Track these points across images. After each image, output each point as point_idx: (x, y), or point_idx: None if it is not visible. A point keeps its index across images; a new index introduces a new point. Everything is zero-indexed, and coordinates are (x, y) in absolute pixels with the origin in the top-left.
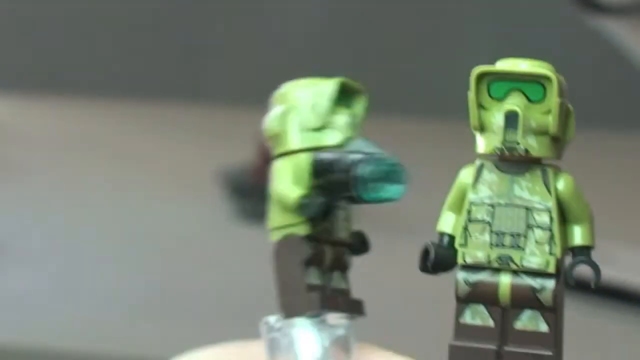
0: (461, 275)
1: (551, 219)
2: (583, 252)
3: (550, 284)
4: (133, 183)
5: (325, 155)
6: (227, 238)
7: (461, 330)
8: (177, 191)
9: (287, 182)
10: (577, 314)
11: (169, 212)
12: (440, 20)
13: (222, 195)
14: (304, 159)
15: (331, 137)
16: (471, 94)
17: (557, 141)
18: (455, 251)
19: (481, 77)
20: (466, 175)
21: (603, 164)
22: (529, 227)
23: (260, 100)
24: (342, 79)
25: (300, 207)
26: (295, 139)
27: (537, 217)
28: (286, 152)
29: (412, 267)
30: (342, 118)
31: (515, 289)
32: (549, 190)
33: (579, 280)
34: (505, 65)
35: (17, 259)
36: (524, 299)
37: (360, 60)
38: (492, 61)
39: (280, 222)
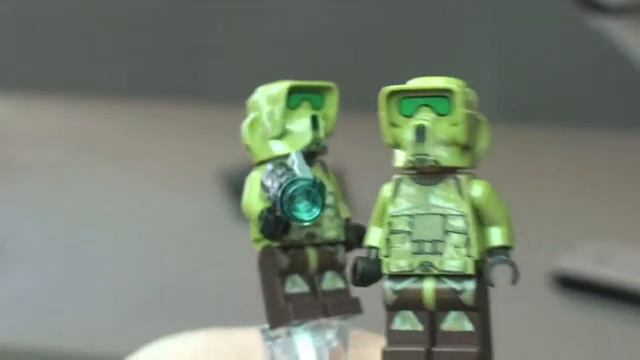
0: (387, 284)
1: (466, 223)
2: (501, 252)
3: (470, 285)
4: (133, 183)
5: (267, 171)
6: (227, 238)
7: (393, 336)
8: (177, 191)
9: (253, 195)
10: (576, 314)
11: (169, 211)
12: (441, 20)
13: (222, 195)
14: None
15: (285, 146)
16: (382, 113)
17: (468, 150)
18: (380, 263)
19: (391, 96)
20: (387, 190)
21: (603, 164)
22: (446, 232)
23: None
24: (291, 83)
25: (260, 222)
26: (259, 150)
27: (452, 223)
28: (258, 162)
29: None
30: (301, 123)
31: (438, 293)
32: (462, 197)
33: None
34: (413, 83)
35: (17, 259)
36: (448, 302)
37: (360, 60)
38: (492, 61)
39: (257, 234)
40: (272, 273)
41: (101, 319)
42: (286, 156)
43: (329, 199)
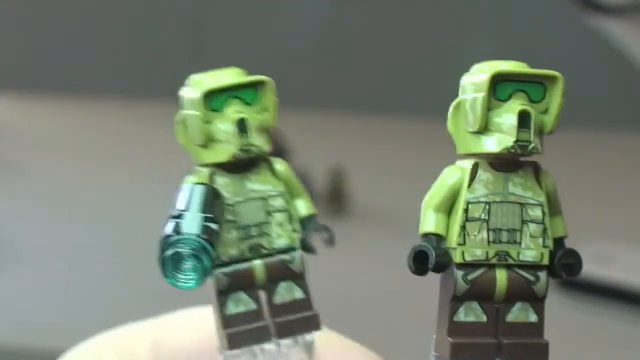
0: (460, 274)
1: (543, 213)
2: (563, 243)
3: (543, 275)
4: (133, 183)
5: (178, 197)
6: None
7: (457, 328)
8: (177, 191)
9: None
10: (576, 314)
11: (168, 211)
12: (441, 20)
13: None
14: (205, 178)
15: (210, 156)
16: (484, 95)
17: (541, 139)
18: (447, 251)
19: (493, 78)
20: (452, 176)
21: (603, 164)
22: (524, 222)
23: None
24: (209, 87)
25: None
26: (192, 152)
27: (530, 212)
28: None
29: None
30: (225, 129)
31: (511, 282)
32: (540, 186)
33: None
34: (513, 66)
35: (17, 258)
36: (519, 292)
37: (360, 59)
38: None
39: None
40: (215, 291)
41: (101, 319)
42: (216, 165)
43: (278, 202)
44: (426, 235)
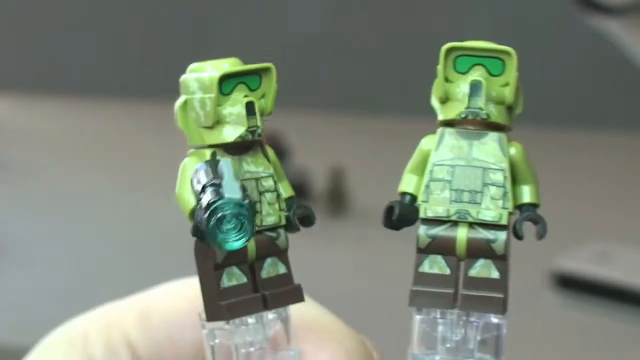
0: (422, 228)
1: (505, 177)
2: (530, 209)
3: (502, 235)
4: (133, 183)
5: (196, 171)
6: None
7: (420, 278)
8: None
9: (184, 187)
10: (576, 314)
11: (169, 211)
12: (440, 20)
13: None
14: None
15: (218, 136)
16: (440, 67)
17: (510, 111)
18: (416, 208)
19: (449, 52)
20: (427, 142)
21: (603, 164)
22: (485, 185)
23: None
24: (224, 71)
25: (192, 224)
26: (192, 135)
27: (492, 176)
28: (196, 146)
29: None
30: (235, 111)
31: (471, 240)
32: (503, 153)
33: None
34: (471, 43)
35: (17, 259)
36: (479, 249)
37: (360, 59)
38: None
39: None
40: (206, 266)
41: None
42: (217, 146)
43: (269, 182)
44: (402, 195)
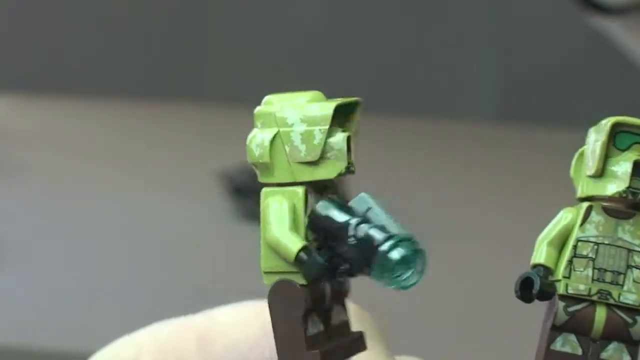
0: (561, 304)
1: None
2: None
3: None
4: (133, 183)
5: (326, 212)
6: (227, 238)
7: (552, 356)
8: (177, 191)
9: (282, 227)
10: None
11: (169, 211)
12: (441, 20)
13: (222, 195)
14: (301, 198)
15: (319, 172)
16: (603, 141)
17: None
18: (552, 283)
19: (614, 127)
20: (568, 216)
21: None
22: (629, 267)
23: (260, 99)
24: (338, 102)
25: (303, 265)
26: (281, 171)
27: (637, 259)
28: (277, 183)
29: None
30: (338, 142)
31: (609, 321)
32: None
33: None
34: (635, 120)
35: (16, 259)
36: (616, 332)
37: (360, 59)
38: (492, 61)
39: (274, 266)
40: (292, 315)
41: (101, 319)
42: (309, 184)
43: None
44: (536, 266)
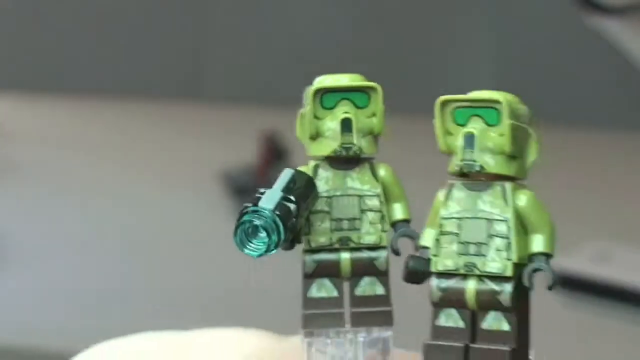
0: (434, 282)
1: (508, 228)
2: (541, 259)
3: (508, 287)
4: (133, 183)
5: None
6: (227, 237)
7: (436, 331)
8: (178, 191)
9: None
10: (575, 313)
11: (169, 212)
12: (440, 19)
13: (222, 195)
14: (309, 171)
15: (317, 149)
16: (437, 121)
17: (515, 160)
18: (429, 262)
19: (444, 105)
20: (441, 195)
21: (603, 164)
22: (490, 236)
23: (260, 99)
24: (318, 85)
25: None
26: (307, 145)
27: (496, 227)
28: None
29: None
30: (332, 126)
31: (479, 293)
32: (507, 204)
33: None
34: (468, 94)
35: (17, 258)
36: (488, 302)
37: (360, 60)
38: (492, 61)
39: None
40: (303, 274)
41: (101, 319)
42: (322, 158)
43: (373, 202)
44: (422, 248)
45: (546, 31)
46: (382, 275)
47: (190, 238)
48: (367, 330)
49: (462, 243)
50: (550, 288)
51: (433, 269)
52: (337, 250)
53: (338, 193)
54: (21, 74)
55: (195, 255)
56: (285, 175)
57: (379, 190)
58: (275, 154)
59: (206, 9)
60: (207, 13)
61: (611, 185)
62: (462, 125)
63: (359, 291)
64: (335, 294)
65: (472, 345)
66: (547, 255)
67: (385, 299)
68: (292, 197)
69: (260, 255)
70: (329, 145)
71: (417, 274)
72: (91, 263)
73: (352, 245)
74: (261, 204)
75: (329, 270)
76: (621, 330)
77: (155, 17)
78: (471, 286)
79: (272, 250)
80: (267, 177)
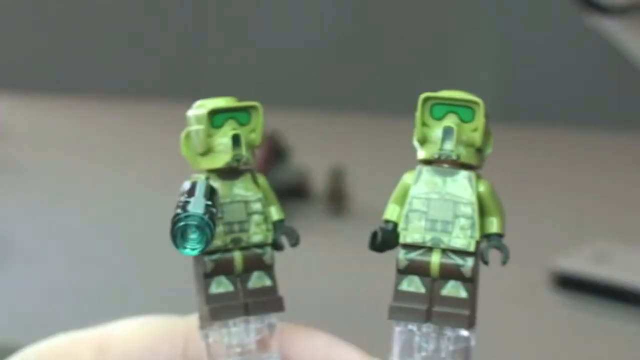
0: (401, 252)
1: (473, 210)
2: (496, 238)
3: (470, 261)
4: (133, 183)
5: (182, 187)
6: None
7: (399, 295)
8: (177, 190)
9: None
10: (576, 314)
11: (169, 212)
12: (441, 20)
13: None
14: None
15: (209, 162)
16: (418, 113)
17: (479, 152)
18: (397, 234)
19: (426, 101)
20: (408, 177)
21: (603, 164)
22: (456, 216)
23: (260, 99)
24: (212, 107)
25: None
26: (192, 161)
27: (462, 209)
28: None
29: None
30: (223, 141)
31: (443, 264)
32: (472, 189)
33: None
34: (446, 93)
35: (17, 258)
36: (450, 272)
37: (360, 60)
38: (492, 61)
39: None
40: (198, 275)
41: (101, 319)
42: (211, 171)
43: (257, 206)
44: (386, 222)
45: (546, 31)
46: (268, 269)
47: None
48: (260, 317)
49: (429, 220)
50: (503, 263)
51: (401, 240)
52: (230, 250)
53: (227, 200)
54: (21, 74)
55: None
56: (202, 184)
57: (260, 195)
58: (275, 153)
59: (206, 9)
60: (207, 13)
61: (611, 186)
62: (438, 119)
63: (250, 284)
64: (231, 288)
65: (434, 308)
66: (501, 236)
67: (273, 289)
68: (211, 203)
69: (201, 251)
70: (221, 158)
71: (387, 244)
72: (91, 263)
73: (243, 244)
74: (192, 209)
75: (225, 268)
76: (621, 330)
77: (155, 17)
78: (435, 259)
79: (206, 247)
80: (267, 176)
